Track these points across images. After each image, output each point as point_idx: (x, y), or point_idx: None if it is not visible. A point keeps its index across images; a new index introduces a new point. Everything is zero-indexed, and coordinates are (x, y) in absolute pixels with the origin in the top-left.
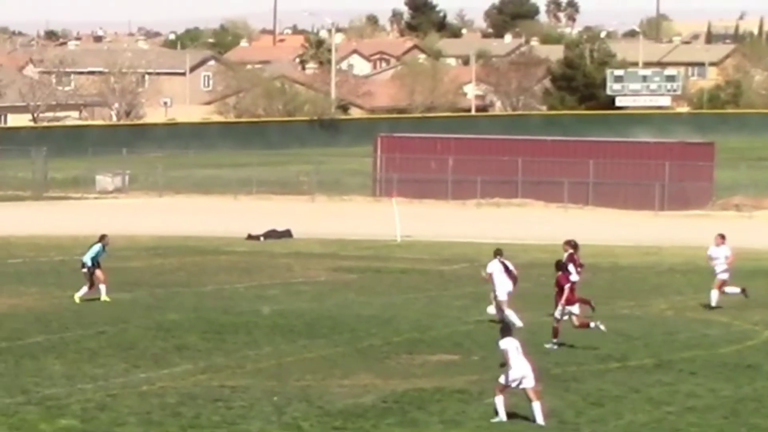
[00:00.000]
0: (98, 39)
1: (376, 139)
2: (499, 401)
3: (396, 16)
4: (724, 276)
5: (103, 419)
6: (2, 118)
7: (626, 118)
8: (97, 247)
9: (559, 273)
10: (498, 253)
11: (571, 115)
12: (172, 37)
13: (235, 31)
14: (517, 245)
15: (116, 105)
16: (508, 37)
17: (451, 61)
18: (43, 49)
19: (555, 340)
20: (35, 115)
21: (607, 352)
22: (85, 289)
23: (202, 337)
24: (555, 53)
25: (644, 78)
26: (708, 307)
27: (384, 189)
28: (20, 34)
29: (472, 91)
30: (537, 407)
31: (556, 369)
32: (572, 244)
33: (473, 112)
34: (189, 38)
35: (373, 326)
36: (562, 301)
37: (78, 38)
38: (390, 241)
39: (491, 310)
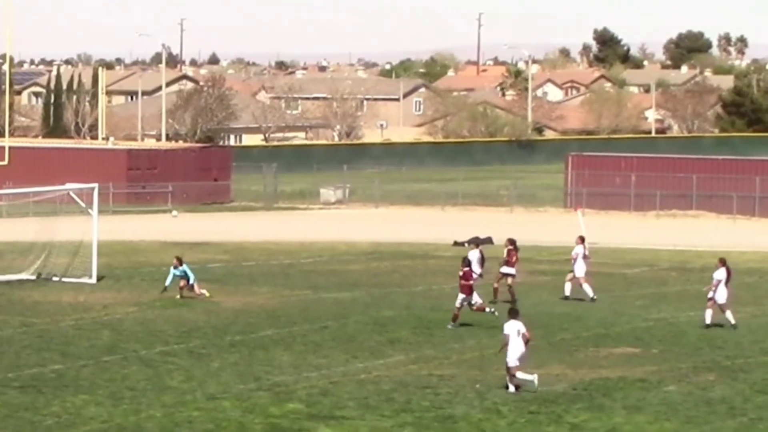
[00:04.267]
0: (322, 69)
1: (568, 158)
2: (521, 375)
3: (585, 49)
4: (580, 273)
5: (326, 403)
6: (238, 138)
7: None
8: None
9: (466, 268)
10: (477, 244)
11: (740, 137)
12: (387, 67)
13: (443, 62)
14: (691, 252)
15: (338, 127)
16: (684, 68)
17: (634, 89)
18: (274, 78)
19: (453, 324)
20: (266, 135)
21: None
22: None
23: (412, 331)
24: (726, 83)
25: None
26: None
27: (574, 202)
28: (254, 64)
29: (652, 115)
30: (521, 375)
31: (726, 361)
32: (512, 242)
33: (653, 134)
34: (402, 68)
35: (564, 323)
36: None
37: (305, 68)
38: None
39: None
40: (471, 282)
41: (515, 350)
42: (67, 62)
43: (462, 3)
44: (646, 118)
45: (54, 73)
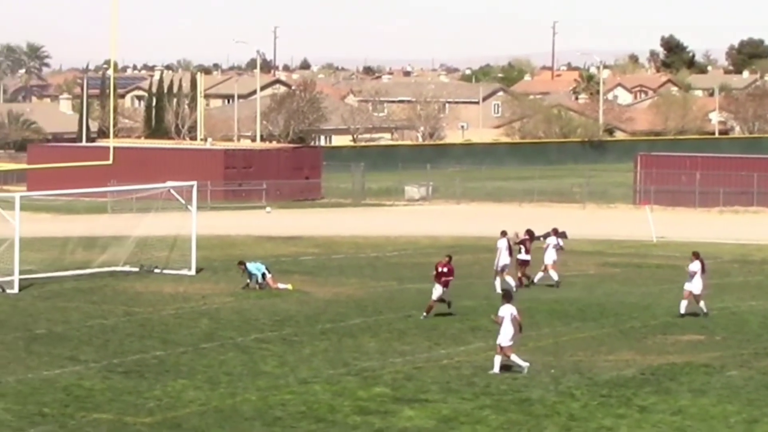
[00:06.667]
0: (407, 74)
1: (637, 157)
2: (497, 360)
3: (653, 55)
4: (549, 260)
5: (410, 387)
6: (328, 138)
7: None
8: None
9: (449, 265)
10: (504, 233)
11: None
12: (468, 72)
13: (520, 67)
14: (753, 245)
15: (422, 128)
16: (745, 73)
17: (699, 93)
18: (361, 82)
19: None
20: (354, 136)
21: None
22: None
23: (491, 320)
24: None
25: None
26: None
27: (643, 198)
28: (343, 69)
29: (715, 117)
30: (515, 358)
31: None
32: (529, 233)
33: (717, 135)
34: (482, 73)
35: (633, 311)
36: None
37: (390, 73)
38: (647, 241)
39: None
40: (450, 278)
41: (507, 332)
42: (168, 67)
43: (538, 12)
44: (710, 120)
45: (155, 77)
